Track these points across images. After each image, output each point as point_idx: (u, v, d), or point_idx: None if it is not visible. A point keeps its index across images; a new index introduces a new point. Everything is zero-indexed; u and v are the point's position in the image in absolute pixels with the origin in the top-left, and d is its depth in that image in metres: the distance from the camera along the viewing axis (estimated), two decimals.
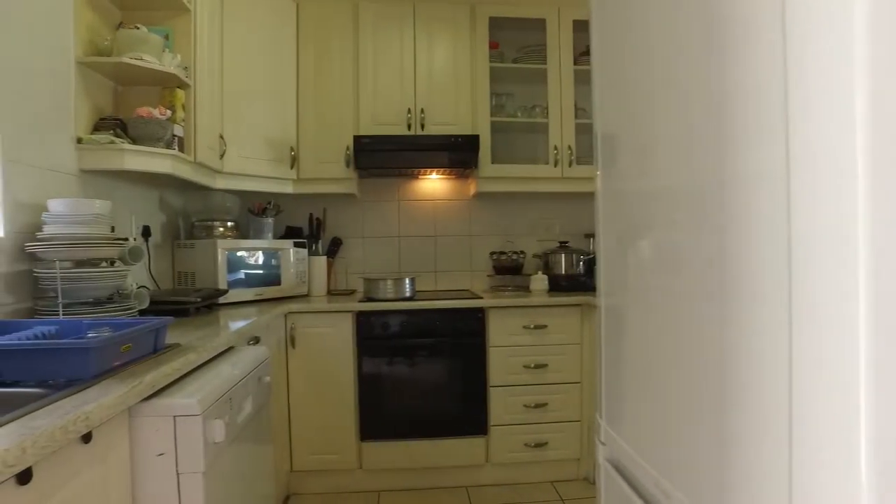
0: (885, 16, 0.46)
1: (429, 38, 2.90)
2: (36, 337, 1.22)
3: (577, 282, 2.99)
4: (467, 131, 2.90)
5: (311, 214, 3.07)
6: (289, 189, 2.86)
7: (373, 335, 2.56)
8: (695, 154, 0.74)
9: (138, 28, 1.97)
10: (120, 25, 2.11)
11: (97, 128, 1.95)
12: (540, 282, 3.01)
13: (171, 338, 1.47)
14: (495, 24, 2.96)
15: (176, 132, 2.08)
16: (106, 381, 1.04)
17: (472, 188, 3.15)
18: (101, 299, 1.68)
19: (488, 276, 3.23)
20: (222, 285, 2.47)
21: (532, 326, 2.61)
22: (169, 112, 2.05)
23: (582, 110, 2.99)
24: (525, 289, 3.06)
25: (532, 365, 2.61)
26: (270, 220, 2.90)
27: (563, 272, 3.04)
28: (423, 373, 2.58)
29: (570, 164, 2.95)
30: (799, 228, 0.53)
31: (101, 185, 2.00)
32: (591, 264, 3.01)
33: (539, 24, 2.96)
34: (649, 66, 0.89)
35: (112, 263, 1.73)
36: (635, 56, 0.95)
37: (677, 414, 0.81)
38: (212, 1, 2.40)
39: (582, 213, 3.30)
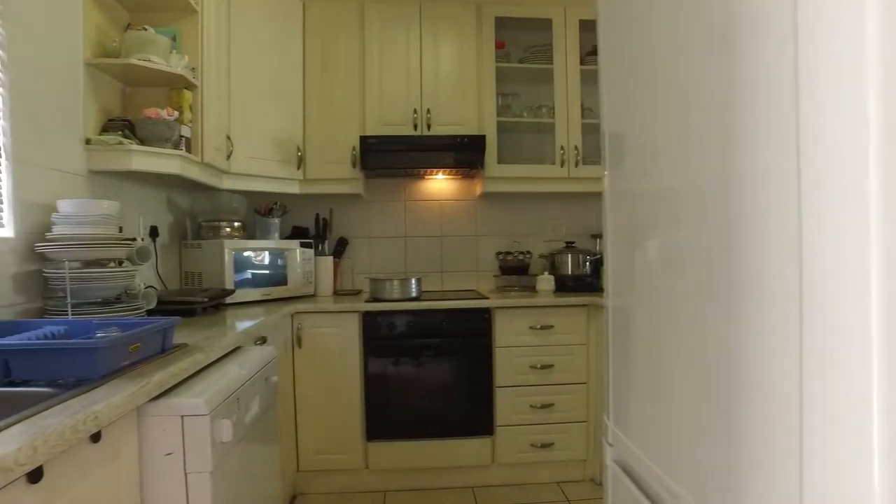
0: None
1: (435, 38, 2.91)
2: (45, 337, 1.23)
3: (584, 282, 2.98)
4: (473, 131, 2.90)
5: (317, 215, 3.07)
6: (295, 189, 2.87)
7: (379, 335, 2.56)
8: (704, 153, 0.74)
9: (146, 29, 1.98)
10: (128, 27, 2.12)
11: (105, 129, 1.96)
12: (546, 282, 3.00)
13: (178, 338, 1.48)
14: (501, 23, 2.96)
15: (183, 133, 2.09)
16: (114, 381, 1.04)
17: (478, 188, 3.14)
18: (109, 299, 1.69)
19: (494, 276, 3.23)
20: (229, 285, 2.48)
21: (538, 327, 2.61)
22: (176, 113, 2.06)
23: (588, 110, 2.98)
24: (531, 289, 3.06)
25: (538, 365, 2.61)
26: (277, 221, 2.91)
27: (570, 272, 3.03)
28: (430, 373, 2.58)
29: (576, 165, 2.95)
30: (810, 227, 0.53)
31: (110, 186, 2.01)
32: (597, 265, 3.00)
33: (545, 24, 2.96)
34: (657, 65, 0.89)
35: (120, 263, 1.74)
36: (643, 55, 0.95)
37: (685, 415, 0.80)
38: (219, 2, 2.41)
39: (588, 214, 3.29)
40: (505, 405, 2.60)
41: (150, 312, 1.82)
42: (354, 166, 2.86)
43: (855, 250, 0.48)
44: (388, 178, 3.20)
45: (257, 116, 2.66)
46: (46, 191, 1.67)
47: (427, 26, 2.90)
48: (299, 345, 2.51)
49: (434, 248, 3.26)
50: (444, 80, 2.91)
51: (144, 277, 2.15)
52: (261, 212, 2.91)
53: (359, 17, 2.88)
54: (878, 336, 0.46)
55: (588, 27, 2.91)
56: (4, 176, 1.51)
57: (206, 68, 2.26)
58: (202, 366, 1.36)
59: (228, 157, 2.51)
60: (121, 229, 1.76)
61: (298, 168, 2.83)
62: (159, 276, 2.39)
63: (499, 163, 2.93)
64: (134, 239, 1.84)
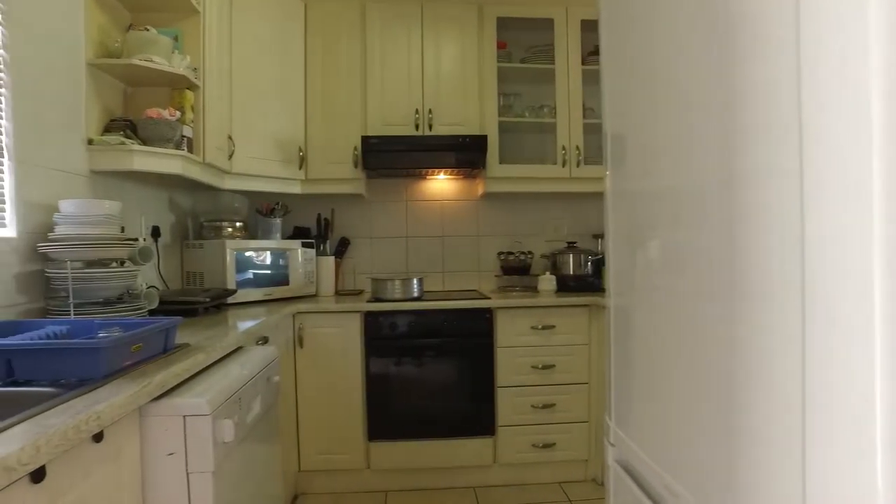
0: None
1: (436, 38, 2.91)
2: (48, 336, 1.24)
3: (585, 282, 2.98)
4: (475, 131, 2.90)
5: (319, 215, 3.08)
6: (297, 189, 2.87)
7: (381, 335, 2.56)
8: (706, 153, 0.74)
9: (148, 30, 1.98)
10: (130, 27, 2.12)
11: (107, 129, 1.96)
12: (548, 282, 3.00)
13: (180, 338, 1.48)
14: (503, 23, 2.95)
15: (185, 133, 2.09)
16: (117, 381, 1.05)
17: (479, 188, 3.14)
18: (111, 299, 1.69)
19: (496, 276, 3.23)
20: (231, 285, 2.48)
21: (540, 327, 2.61)
22: (178, 113, 2.06)
23: (590, 110, 2.98)
24: (533, 289, 3.06)
25: (540, 365, 2.61)
26: (279, 221, 2.91)
27: (571, 272, 3.03)
28: (431, 373, 2.58)
29: (578, 165, 2.95)
30: (812, 227, 0.53)
31: (112, 186, 2.02)
32: (598, 265, 3.00)
33: (547, 24, 2.96)
34: (659, 65, 0.89)
35: (122, 264, 1.75)
36: (645, 54, 0.95)
37: (687, 415, 0.80)
38: (220, 2, 2.41)
39: (590, 214, 3.29)
40: (506, 405, 2.60)
41: (152, 312, 1.82)
42: (356, 166, 2.86)
43: (857, 250, 0.48)
44: (390, 179, 3.20)
45: (259, 116, 2.66)
46: (49, 191, 1.68)
47: (428, 26, 2.90)
48: (301, 345, 2.51)
49: (436, 249, 3.26)
50: (446, 80, 2.91)
51: (146, 277, 2.15)
52: (262, 212, 2.91)
53: (360, 17, 2.88)
54: (881, 335, 0.46)
55: (589, 27, 2.91)
56: (7, 176, 1.52)
57: (207, 68, 2.26)
58: (204, 366, 1.36)
59: (230, 157, 2.51)
60: (123, 229, 1.76)
61: (300, 168, 2.84)
62: (161, 276, 2.40)
63: (500, 163, 2.93)
64: (136, 239, 1.84)
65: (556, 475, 2.66)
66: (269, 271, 2.68)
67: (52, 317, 1.56)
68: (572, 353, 2.62)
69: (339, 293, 3.03)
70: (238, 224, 2.74)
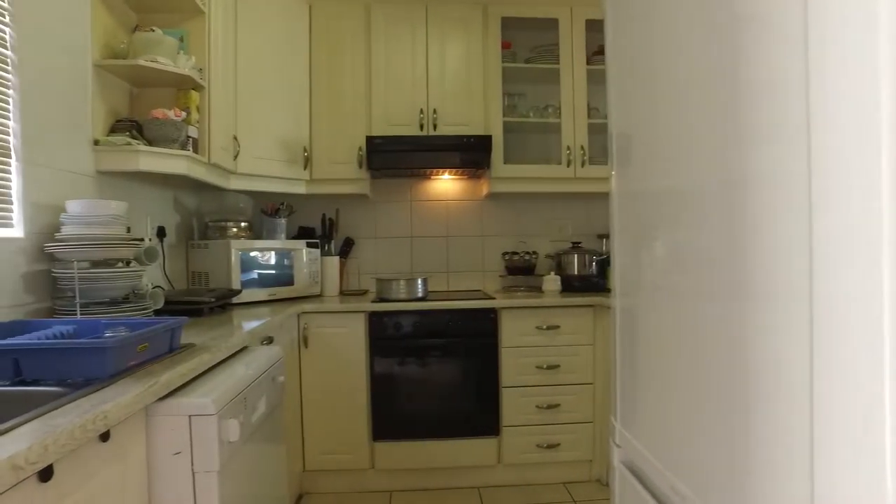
0: None
1: (441, 38, 2.91)
2: (55, 336, 1.24)
3: (590, 282, 2.97)
4: (480, 131, 2.90)
5: (323, 215, 3.08)
6: (301, 189, 2.87)
7: (385, 335, 2.57)
8: (713, 153, 0.74)
9: (153, 31, 1.99)
10: (135, 28, 2.13)
11: (113, 129, 1.97)
12: (552, 282, 3.00)
13: (185, 337, 1.49)
14: (508, 23, 2.95)
15: (190, 133, 2.10)
16: (123, 381, 1.05)
17: (484, 188, 3.14)
18: (117, 299, 1.70)
19: (500, 276, 3.23)
20: (236, 285, 2.49)
21: (545, 327, 2.60)
22: (184, 113, 2.07)
23: (595, 110, 2.97)
24: (537, 289, 3.06)
25: (544, 366, 2.60)
26: (283, 221, 2.92)
27: (576, 273, 3.03)
28: (436, 373, 2.58)
29: (582, 165, 2.94)
30: (820, 228, 0.52)
31: (118, 186, 2.02)
32: (603, 265, 3.00)
33: (552, 24, 2.95)
34: (665, 65, 0.89)
35: (128, 264, 1.75)
36: (651, 54, 0.95)
37: (694, 416, 0.80)
38: (226, 3, 2.42)
39: (594, 214, 3.29)
40: (511, 405, 2.60)
41: (157, 312, 1.82)
42: (361, 166, 2.87)
43: (866, 251, 0.47)
44: (395, 179, 3.21)
45: (264, 117, 2.67)
46: (55, 191, 1.68)
47: (433, 26, 2.90)
48: (306, 345, 2.52)
49: (440, 249, 3.26)
50: (451, 80, 2.91)
51: (152, 277, 2.16)
52: (267, 212, 2.92)
53: (365, 18, 2.89)
54: (890, 336, 0.46)
55: (594, 27, 2.91)
56: (14, 177, 1.52)
57: (213, 69, 2.27)
58: (209, 366, 1.37)
59: (235, 157, 2.52)
60: (129, 229, 1.77)
61: (305, 168, 2.84)
62: (166, 276, 2.40)
63: (505, 163, 2.93)
64: (141, 239, 1.85)
65: (561, 476, 2.65)
66: (273, 271, 2.69)
67: (59, 316, 1.57)
68: (577, 354, 2.62)
69: (344, 293, 3.03)
70: (243, 224, 2.75)
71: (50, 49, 1.68)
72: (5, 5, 1.49)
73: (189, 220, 2.74)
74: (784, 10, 0.57)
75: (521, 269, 3.16)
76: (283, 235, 2.90)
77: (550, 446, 2.61)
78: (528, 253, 3.16)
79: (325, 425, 2.53)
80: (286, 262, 2.73)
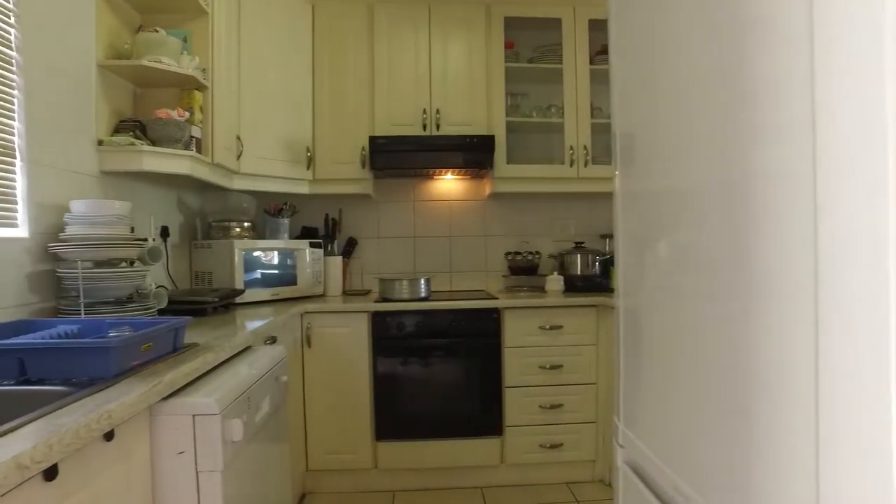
0: None
1: (444, 38, 2.91)
2: (59, 336, 1.25)
3: (593, 282, 2.97)
4: (483, 131, 2.90)
5: (326, 215, 3.08)
6: (304, 189, 2.88)
7: (388, 335, 2.57)
8: (718, 153, 0.73)
9: (157, 31, 2.00)
10: (139, 29, 2.14)
11: (117, 130, 1.98)
12: (555, 282, 2.99)
13: (189, 337, 1.49)
14: (511, 23, 2.95)
15: (194, 133, 2.10)
16: (127, 380, 1.05)
17: (487, 188, 3.14)
18: (121, 299, 1.70)
19: (503, 276, 3.23)
20: (239, 285, 2.49)
21: (547, 327, 2.60)
22: (187, 114, 2.07)
23: (598, 110, 2.97)
24: (540, 289, 3.05)
25: (547, 366, 2.60)
26: (286, 221, 2.92)
27: (579, 272, 3.02)
28: (439, 373, 2.58)
29: (585, 164, 2.94)
30: (826, 228, 0.52)
31: (122, 186, 2.03)
32: (606, 265, 2.99)
33: (555, 24, 2.95)
34: (669, 65, 0.88)
35: (132, 263, 1.76)
36: (654, 54, 0.94)
37: (697, 416, 0.80)
38: (229, 3, 2.43)
39: (597, 214, 3.28)
40: (514, 405, 2.60)
41: (161, 312, 1.83)
42: (363, 166, 2.87)
43: (871, 251, 0.47)
44: (398, 179, 3.21)
45: (267, 117, 2.67)
46: (59, 191, 1.69)
47: (436, 26, 2.90)
48: (309, 345, 2.52)
49: (443, 249, 3.26)
50: (453, 80, 2.91)
51: (155, 277, 2.17)
52: (270, 212, 2.93)
53: (368, 18, 2.89)
54: None
55: (597, 26, 2.91)
56: (19, 177, 1.53)
57: (216, 69, 2.27)
58: (213, 365, 1.37)
59: (238, 157, 2.52)
60: (132, 229, 1.78)
61: (308, 168, 2.85)
62: (170, 276, 2.41)
63: (508, 163, 2.93)
64: (145, 239, 1.85)
65: (564, 476, 2.65)
66: (276, 271, 2.69)
67: (64, 316, 1.57)
68: (580, 354, 2.62)
69: (347, 293, 3.04)
70: (246, 224, 2.75)
71: (54, 50, 1.68)
72: (10, 6, 1.50)
73: (192, 220, 2.75)
74: (789, 10, 0.57)
75: (524, 269, 3.16)
76: (286, 235, 2.90)
77: (553, 446, 2.61)
78: (531, 253, 3.16)
79: (329, 425, 2.54)
80: (289, 262, 2.74)
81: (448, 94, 2.90)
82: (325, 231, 3.06)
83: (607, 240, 3.19)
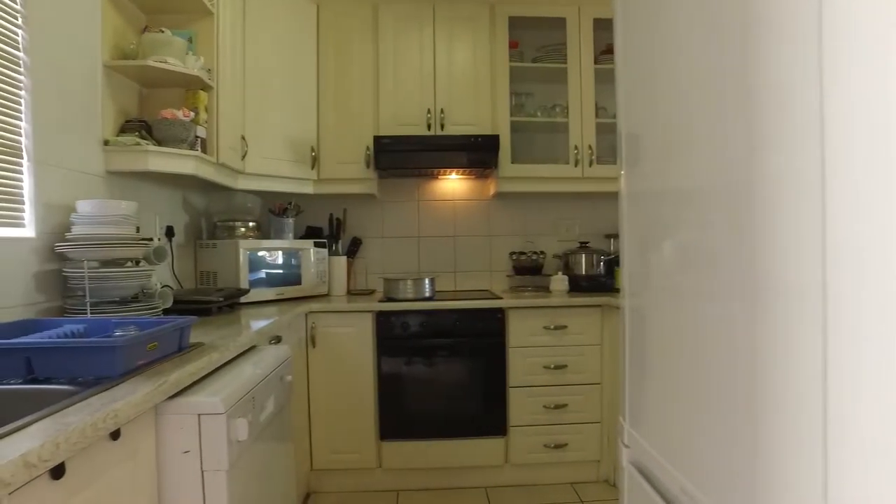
0: None
1: (448, 38, 2.91)
2: (66, 335, 1.25)
3: (598, 282, 2.96)
4: (487, 131, 2.89)
5: (331, 214, 3.09)
6: (309, 189, 2.88)
7: (392, 335, 2.57)
8: (725, 153, 0.73)
9: (162, 31, 2.00)
10: (145, 29, 2.14)
11: (123, 130, 1.98)
12: (560, 282, 2.99)
13: (194, 337, 1.49)
14: (515, 23, 2.95)
15: (199, 133, 2.11)
16: (133, 380, 1.06)
17: (491, 188, 3.14)
18: (126, 298, 1.71)
19: (508, 276, 3.22)
20: (244, 285, 2.50)
21: (552, 327, 2.60)
22: (192, 114, 2.08)
23: (602, 109, 2.96)
24: (545, 289, 3.05)
25: (552, 365, 2.60)
26: (291, 221, 2.93)
27: (584, 272, 3.02)
28: (443, 373, 2.58)
29: (590, 164, 2.93)
30: (834, 229, 0.52)
31: (127, 186, 2.04)
32: (611, 265, 2.99)
33: (559, 23, 2.94)
34: (675, 65, 0.88)
35: (137, 263, 1.76)
36: (661, 54, 0.94)
37: (703, 416, 0.79)
38: (234, 4, 2.43)
39: (602, 214, 3.27)
40: (518, 405, 2.59)
41: (166, 312, 1.83)
42: (368, 166, 2.87)
43: (880, 252, 0.47)
44: (402, 178, 3.21)
45: (272, 117, 2.67)
46: (66, 191, 1.70)
47: (441, 26, 2.90)
48: (313, 344, 2.52)
49: (447, 248, 3.26)
50: (458, 79, 2.90)
51: (161, 277, 2.17)
52: (275, 212, 2.93)
53: (372, 18, 2.89)
54: None
55: (602, 26, 2.90)
56: (26, 177, 1.54)
57: (221, 69, 2.28)
58: (218, 365, 1.37)
59: (243, 157, 2.53)
60: (138, 229, 1.78)
61: (312, 168, 2.85)
62: (175, 276, 2.42)
63: (512, 162, 2.92)
64: (150, 239, 1.86)
65: (568, 476, 2.65)
66: (281, 271, 2.70)
67: (70, 315, 1.58)
68: (584, 354, 2.61)
69: (351, 293, 3.04)
70: (251, 224, 2.76)
71: (61, 50, 1.69)
72: (18, 7, 1.51)
73: (197, 219, 2.75)
74: (797, 11, 0.57)
75: (528, 269, 3.15)
76: (290, 235, 2.91)
77: (558, 446, 2.60)
78: (535, 253, 3.16)
79: (333, 424, 2.54)
80: (294, 261, 2.74)
81: (452, 93, 2.89)
82: (330, 231, 3.06)
83: (612, 240, 3.18)
